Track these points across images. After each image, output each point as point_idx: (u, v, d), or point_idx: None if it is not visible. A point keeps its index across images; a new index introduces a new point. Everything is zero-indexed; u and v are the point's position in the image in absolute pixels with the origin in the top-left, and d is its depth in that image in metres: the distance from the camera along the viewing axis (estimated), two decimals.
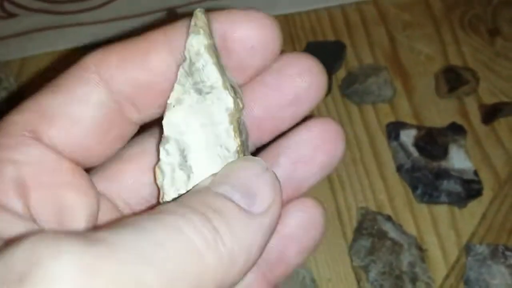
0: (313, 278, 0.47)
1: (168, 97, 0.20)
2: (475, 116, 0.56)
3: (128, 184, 0.22)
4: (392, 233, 0.48)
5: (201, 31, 0.19)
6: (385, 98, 0.57)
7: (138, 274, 0.14)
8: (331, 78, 0.58)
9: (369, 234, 0.49)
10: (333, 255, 0.49)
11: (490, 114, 0.56)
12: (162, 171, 0.20)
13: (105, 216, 0.22)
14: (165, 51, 0.20)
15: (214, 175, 0.19)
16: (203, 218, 0.16)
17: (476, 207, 0.51)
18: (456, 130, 0.54)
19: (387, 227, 0.49)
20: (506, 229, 0.50)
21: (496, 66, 0.59)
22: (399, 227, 0.49)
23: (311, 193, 0.53)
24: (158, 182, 0.20)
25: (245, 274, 0.17)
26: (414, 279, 0.46)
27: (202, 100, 0.19)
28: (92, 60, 0.21)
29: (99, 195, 0.21)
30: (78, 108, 0.20)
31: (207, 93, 0.19)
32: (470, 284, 0.47)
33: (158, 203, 0.21)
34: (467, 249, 0.48)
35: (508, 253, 0.47)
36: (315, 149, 0.23)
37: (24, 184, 0.19)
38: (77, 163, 0.21)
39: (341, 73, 0.59)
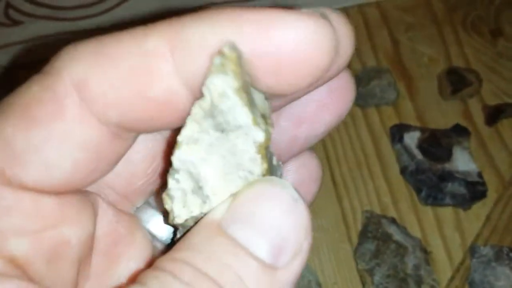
0: (319, 282, 0.48)
1: (179, 133, 0.17)
2: (479, 117, 0.56)
3: (119, 174, 0.19)
4: (397, 236, 0.49)
5: (230, 73, 0.15)
6: (388, 101, 0.57)
7: None
8: None
9: (374, 237, 0.49)
10: (339, 259, 0.50)
11: (494, 115, 0.56)
12: (171, 197, 0.17)
13: (105, 216, 0.19)
14: (172, 76, 0.16)
15: (231, 199, 0.16)
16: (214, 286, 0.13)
17: (480, 209, 0.51)
18: (460, 131, 0.54)
19: (392, 230, 0.49)
20: (510, 231, 0.50)
21: (498, 67, 0.59)
22: (403, 229, 0.50)
23: (316, 196, 0.53)
24: (167, 206, 0.17)
25: None
26: (419, 282, 0.46)
27: (224, 137, 0.16)
28: (73, 79, 0.16)
29: (92, 209, 0.18)
30: (57, 151, 0.16)
31: (232, 131, 0.16)
32: (474, 286, 0.47)
33: (168, 223, 0.18)
34: (472, 251, 0.48)
35: None
36: (319, 107, 0.20)
37: (1, 233, 0.16)
38: (62, 192, 0.18)
39: None
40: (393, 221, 0.50)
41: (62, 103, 0.16)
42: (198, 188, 0.17)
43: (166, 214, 0.18)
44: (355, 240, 0.50)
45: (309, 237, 0.15)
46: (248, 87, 0.16)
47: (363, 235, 0.50)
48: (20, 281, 0.15)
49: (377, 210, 0.52)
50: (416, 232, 0.50)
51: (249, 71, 0.16)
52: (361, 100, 0.57)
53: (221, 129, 0.16)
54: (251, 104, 0.16)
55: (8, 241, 0.16)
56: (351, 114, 0.57)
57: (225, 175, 0.17)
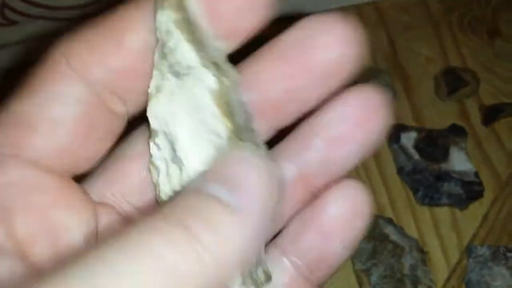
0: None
1: (148, 85, 0.18)
2: (476, 117, 0.56)
3: (133, 184, 0.20)
4: (394, 236, 0.49)
5: (167, 4, 0.16)
6: None
7: None
8: None
9: (370, 237, 0.49)
10: None
11: (491, 115, 0.56)
12: (156, 167, 0.18)
13: (106, 221, 0.20)
14: (141, 28, 0.18)
15: (207, 171, 0.16)
16: (188, 233, 0.14)
17: (477, 208, 0.51)
18: (456, 132, 0.54)
19: (389, 230, 0.49)
20: (507, 231, 0.50)
21: (496, 67, 0.59)
22: (400, 230, 0.50)
23: None
24: (153, 179, 0.18)
25: (239, 270, 0.15)
26: (415, 282, 0.46)
27: (181, 84, 0.17)
28: (60, 52, 0.18)
29: (95, 206, 0.19)
30: (58, 109, 0.18)
31: (185, 74, 0.17)
32: (471, 286, 0.47)
33: (156, 201, 0.19)
34: (468, 250, 0.48)
35: (509, 254, 0.47)
36: (353, 126, 0.19)
37: (7, 209, 0.17)
38: (66, 172, 0.19)
39: None
40: (389, 221, 0.50)
41: (55, 70, 0.18)
42: (174, 154, 0.17)
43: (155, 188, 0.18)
44: None
45: (273, 186, 0.15)
46: (190, 24, 0.17)
47: None
48: (14, 261, 0.16)
49: (374, 210, 0.51)
50: (412, 232, 0.50)
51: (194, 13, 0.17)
52: None
53: (176, 72, 0.17)
54: (197, 43, 0.16)
55: (13, 216, 0.17)
56: None
57: (193, 137, 0.17)
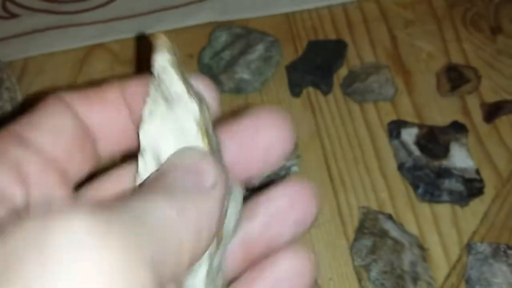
0: (314, 278, 0.47)
1: (143, 110, 0.21)
2: (477, 114, 0.56)
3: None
4: (394, 232, 0.48)
5: (164, 48, 0.20)
6: (386, 97, 0.57)
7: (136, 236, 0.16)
8: (333, 77, 0.58)
9: (370, 233, 0.49)
10: (335, 255, 0.49)
11: (492, 112, 0.55)
12: (141, 180, 0.21)
13: None
14: (121, 103, 0.22)
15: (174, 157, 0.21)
16: (172, 197, 0.18)
17: (478, 205, 0.51)
18: (458, 128, 0.54)
19: (389, 226, 0.49)
20: (508, 228, 0.50)
21: (498, 64, 0.59)
22: (400, 226, 0.49)
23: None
24: None
25: (209, 245, 0.19)
26: (415, 279, 0.46)
27: (171, 108, 0.21)
28: (55, 97, 0.22)
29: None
30: (60, 120, 0.22)
31: (174, 102, 0.20)
32: (471, 283, 0.47)
33: None
34: (469, 247, 0.48)
35: (509, 251, 0.47)
36: (288, 207, 0.24)
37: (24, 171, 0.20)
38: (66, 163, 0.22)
39: (342, 72, 0.59)
40: (389, 217, 0.50)
41: (52, 107, 0.22)
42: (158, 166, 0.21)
43: None
44: (351, 236, 0.50)
45: (222, 171, 0.20)
46: (179, 66, 0.21)
47: (360, 231, 0.49)
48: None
49: (374, 206, 0.51)
50: (413, 228, 0.50)
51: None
52: (359, 96, 0.57)
53: (166, 98, 0.20)
54: (184, 79, 0.21)
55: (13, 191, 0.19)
56: (348, 110, 0.57)
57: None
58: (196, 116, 0.20)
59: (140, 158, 0.21)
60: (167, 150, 0.20)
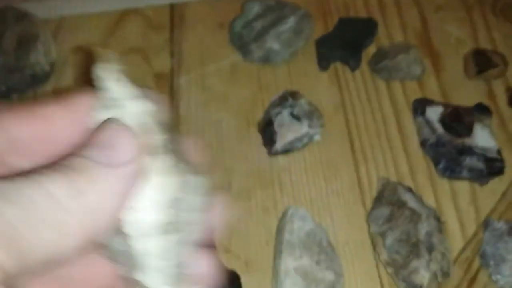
0: (330, 241, 0.48)
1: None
2: (502, 99, 0.56)
3: None
4: (412, 203, 0.49)
5: (107, 61, 0.22)
6: (413, 76, 0.57)
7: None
8: (361, 54, 0.59)
9: (388, 202, 0.49)
10: (351, 221, 0.50)
11: None
12: None
13: None
14: (67, 120, 0.22)
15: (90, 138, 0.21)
16: (66, 177, 0.18)
17: (497, 184, 0.51)
18: (482, 110, 0.55)
19: (407, 197, 0.49)
20: None
21: None
22: (419, 198, 0.50)
23: (333, 160, 0.53)
24: None
25: (115, 217, 0.20)
26: (430, 248, 0.46)
27: (124, 110, 0.22)
28: None
29: None
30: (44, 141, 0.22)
31: (119, 105, 0.22)
32: (485, 257, 0.47)
33: None
34: (486, 224, 0.48)
35: None
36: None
37: None
38: None
39: (371, 50, 0.60)
40: (409, 190, 0.50)
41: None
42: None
43: None
44: (369, 205, 0.50)
45: (136, 146, 0.20)
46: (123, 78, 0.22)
47: (378, 200, 0.50)
48: None
49: (394, 179, 0.52)
50: (431, 202, 0.50)
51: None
52: (386, 73, 0.57)
53: (111, 105, 0.22)
54: (131, 90, 0.22)
55: None
56: (374, 86, 0.58)
57: None
58: (140, 116, 0.22)
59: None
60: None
